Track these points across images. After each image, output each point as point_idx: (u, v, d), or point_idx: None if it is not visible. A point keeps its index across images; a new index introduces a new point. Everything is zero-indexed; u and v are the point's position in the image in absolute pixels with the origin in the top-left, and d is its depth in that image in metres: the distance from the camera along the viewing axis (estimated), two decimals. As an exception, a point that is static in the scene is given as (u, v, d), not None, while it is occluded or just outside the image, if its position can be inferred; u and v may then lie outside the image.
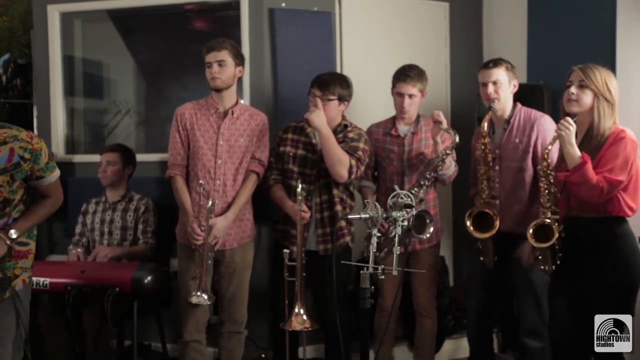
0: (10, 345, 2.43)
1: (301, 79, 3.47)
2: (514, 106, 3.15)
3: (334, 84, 3.16)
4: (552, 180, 2.69)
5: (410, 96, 3.28)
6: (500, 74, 3.08)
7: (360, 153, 3.16)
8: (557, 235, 2.66)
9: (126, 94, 4.65)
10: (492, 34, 4.34)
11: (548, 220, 2.70)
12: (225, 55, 3.11)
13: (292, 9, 3.83)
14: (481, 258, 3.12)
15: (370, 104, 3.75)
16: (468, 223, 3.02)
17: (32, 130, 4.26)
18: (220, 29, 4.28)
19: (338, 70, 3.93)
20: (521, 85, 3.86)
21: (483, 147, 3.01)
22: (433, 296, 3.49)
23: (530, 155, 3.05)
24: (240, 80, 3.89)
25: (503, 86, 3.08)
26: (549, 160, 2.71)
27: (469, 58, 4.30)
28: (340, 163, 3.08)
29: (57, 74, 4.11)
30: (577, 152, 2.57)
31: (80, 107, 4.45)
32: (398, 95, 3.31)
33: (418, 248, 3.37)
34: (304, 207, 3.07)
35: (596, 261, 2.64)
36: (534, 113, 3.14)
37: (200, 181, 3.06)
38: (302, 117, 3.21)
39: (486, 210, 3.01)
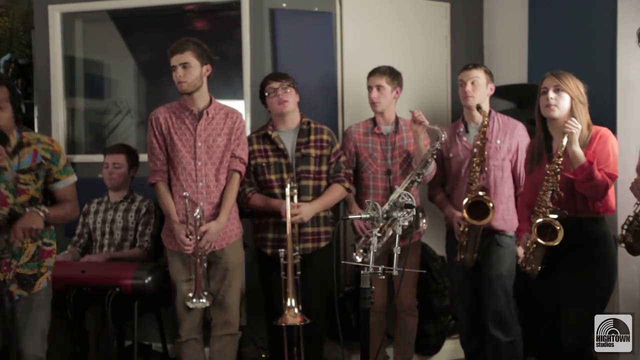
0: (38, 338, 2.66)
1: (302, 79, 3.46)
2: (489, 110, 3.27)
3: (287, 75, 3.29)
4: (558, 179, 2.68)
5: (378, 88, 3.36)
6: (478, 73, 3.22)
7: (342, 165, 3.30)
8: (562, 234, 2.65)
9: (127, 94, 4.65)
10: (492, 34, 4.34)
11: (555, 221, 2.68)
12: (188, 57, 3.01)
13: (293, 9, 3.83)
14: (461, 256, 3.17)
15: (371, 104, 3.75)
16: (464, 211, 3.06)
17: (33, 131, 4.28)
18: (220, 30, 4.29)
19: (339, 70, 3.95)
20: (522, 85, 3.90)
21: (482, 136, 3.08)
22: (415, 294, 3.52)
23: (511, 156, 3.23)
24: (240, 80, 3.91)
25: (480, 87, 3.22)
26: (562, 159, 2.68)
27: (470, 58, 4.27)
28: (341, 197, 3.33)
29: (57, 74, 4.11)
30: (581, 151, 2.62)
31: (81, 108, 4.46)
32: (369, 90, 3.40)
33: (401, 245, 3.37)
34: (299, 204, 3.12)
35: (577, 260, 2.69)
36: (510, 119, 3.32)
37: (185, 193, 3.00)
38: (263, 126, 3.33)
39: (482, 199, 3.06)
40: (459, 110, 4.17)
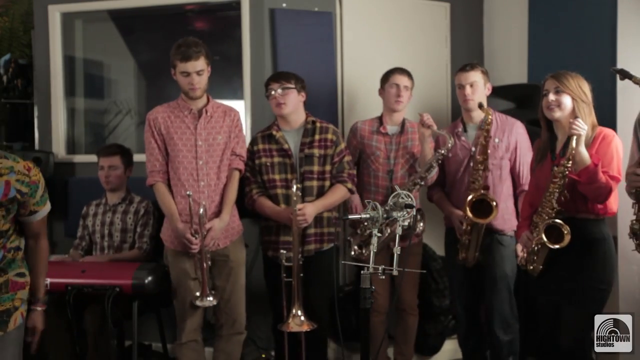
0: None
1: (302, 79, 3.46)
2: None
3: (289, 75, 3.23)
4: (566, 181, 2.65)
5: (405, 88, 3.37)
6: (477, 76, 3.22)
7: (346, 165, 3.25)
8: (569, 237, 2.61)
9: (127, 94, 4.66)
10: (492, 34, 4.35)
11: (564, 224, 2.64)
12: (202, 64, 3.00)
13: (293, 9, 3.84)
14: (462, 255, 3.20)
15: (371, 104, 3.75)
16: (468, 209, 3.06)
17: (33, 131, 4.28)
18: (220, 30, 4.29)
19: (339, 70, 3.96)
20: (522, 85, 3.90)
21: (485, 135, 3.08)
22: (416, 294, 3.55)
23: (510, 154, 3.23)
24: (240, 80, 3.91)
25: (479, 88, 3.23)
26: (571, 162, 2.63)
27: (470, 58, 4.26)
28: (343, 198, 3.28)
29: (57, 74, 4.12)
30: (587, 153, 2.59)
31: (80, 107, 4.46)
32: (391, 87, 3.38)
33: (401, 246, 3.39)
34: (301, 206, 3.06)
35: (575, 261, 2.67)
36: (508, 117, 3.32)
37: (188, 192, 2.97)
38: (268, 126, 3.29)
39: (485, 197, 3.07)
40: (459, 110, 4.17)
